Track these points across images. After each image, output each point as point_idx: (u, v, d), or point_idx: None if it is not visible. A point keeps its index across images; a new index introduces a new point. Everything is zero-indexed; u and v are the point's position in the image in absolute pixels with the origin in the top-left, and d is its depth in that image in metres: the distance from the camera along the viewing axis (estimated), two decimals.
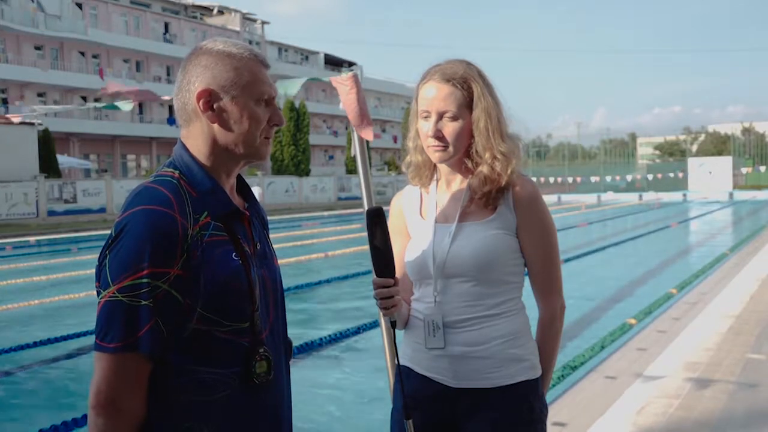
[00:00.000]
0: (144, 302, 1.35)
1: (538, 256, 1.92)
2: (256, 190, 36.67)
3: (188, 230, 1.40)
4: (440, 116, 1.89)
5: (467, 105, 1.89)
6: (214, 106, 1.49)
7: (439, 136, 1.88)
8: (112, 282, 1.36)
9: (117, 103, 4.00)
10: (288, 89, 3.52)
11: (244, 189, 1.65)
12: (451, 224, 1.92)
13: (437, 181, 2.02)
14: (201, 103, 1.48)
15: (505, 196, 1.90)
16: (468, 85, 1.89)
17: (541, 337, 1.98)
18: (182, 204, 1.43)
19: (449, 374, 1.89)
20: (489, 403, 1.87)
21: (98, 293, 1.40)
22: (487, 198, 1.90)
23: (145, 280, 1.35)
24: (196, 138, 1.52)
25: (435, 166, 2.02)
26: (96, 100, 44.74)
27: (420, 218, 2.02)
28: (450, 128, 1.88)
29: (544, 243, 1.92)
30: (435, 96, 1.89)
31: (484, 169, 1.89)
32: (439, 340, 1.89)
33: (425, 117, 1.92)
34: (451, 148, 1.90)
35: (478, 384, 1.87)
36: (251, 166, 1.68)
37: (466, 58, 1.96)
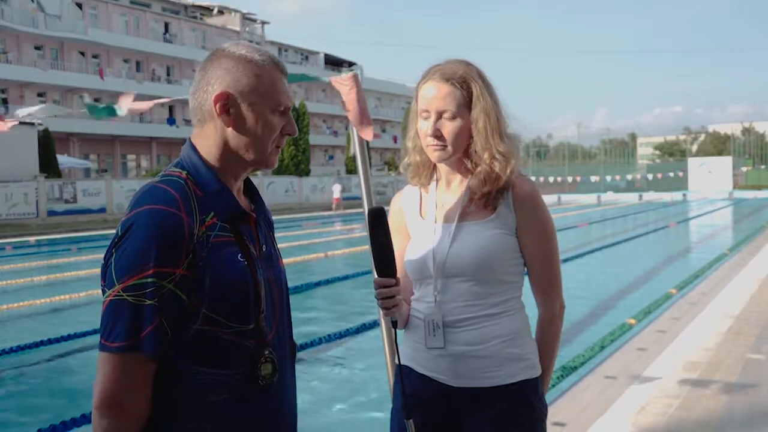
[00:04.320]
0: (149, 302, 1.35)
1: (538, 256, 1.93)
2: (336, 188, 37.54)
3: (194, 230, 1.40)
4: (439, 115, 1.89)
5: (466, 105, 1.89)
6: (231, 110, 1.49)
7: (438, 135, 1.89)
8: (117, 281, 1.36)
9: (115, 108, 3.98)
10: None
11: (251, 190, 1.65)
12: (451, 224, 1.93)
13: (437, 181, 2.03)
14: (218, 105, 1.48)
15: (504, 196, 1.91)
16: (467, 85, 1.89)
17: (541, 336, 1.98)
18: (189, 204, 1.43)
19: (449, 373, 1.89)
20: (489, 403, 1.87)
21: (103, 292, 1.40)
22: (486, 198, 1.90)
23: (150, 280, 1.35)
24: (207, 139, 1.52)
25: (434, 166, 2.02)
26: (96, 100, 44.75)
27: (420, 218, 2.03)
28: (449, 127, 1.89)
29: (544, 243, 1.93)
30: (434, 95, 1.89)
31: (483, 169, 1.89)
32: (439, 340, 1.89)
33: (425, 116, 1.92)
34: (449, 148, 1.90)
35: (478, 383, 1.87)
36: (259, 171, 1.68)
37: (466, 58, 1.97)
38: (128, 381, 1.37)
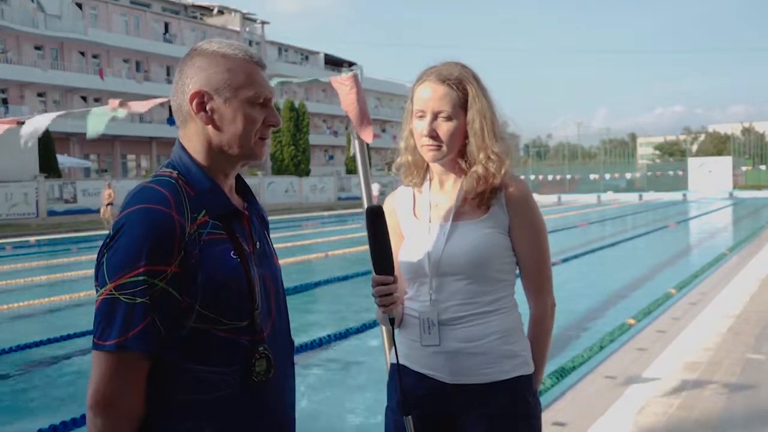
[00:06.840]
0: (140, 300, 1.35)
1: (530, 255, 1.96)
2: (375, 187, 39.54)
3: (186, 228, 1.40)
4: (435, 116, 1.92)
5: (462, 106, 1.92)
6: (207, 108, 1.49)
7: (433, 135, 1.92)
8: (109, 280, 1.36)
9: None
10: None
11: (243, 189, 1.65)
12: (445, 223, 1.95)
13: (430, 180, 2.05)
14: (194, 104, 1.49)
15: (497, 196, 1.93)
16: (463, 87, 1.92)
17: (533, 334, 2.01)
18: (180, 203, 1.43)
19: (445, 371, 1.91)
20: (484, 399, 1.89)
21: (97, 292, 1.40)
22: (480, 198, 1.93)
23: (141, 278, 1.35)
24: (192, 139, 1.52)
25: (427, 166, 2.05)
26: (96, 100, 44.77)
27: (414, 218, 2.05)
28: (444, 128, 1.91)
29: (536, 243, 1.96)
30: (430, 96, 1.92)
31: (478, 169, 1.92)
32: (434, 337, 1.91)
33: (420, 117, 1.95)
34: (444, 148, 1.93)
35: (473, 380, 1.89)
36: (250, 166, 1.68)
37: (462, 60, 2.00)
38: (122, 379, 1.37)
